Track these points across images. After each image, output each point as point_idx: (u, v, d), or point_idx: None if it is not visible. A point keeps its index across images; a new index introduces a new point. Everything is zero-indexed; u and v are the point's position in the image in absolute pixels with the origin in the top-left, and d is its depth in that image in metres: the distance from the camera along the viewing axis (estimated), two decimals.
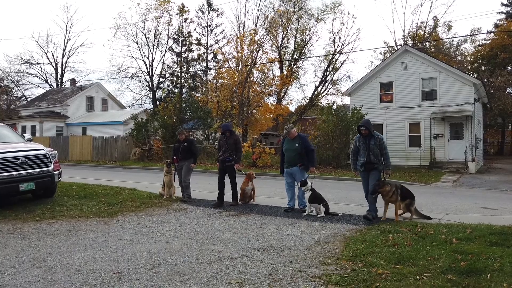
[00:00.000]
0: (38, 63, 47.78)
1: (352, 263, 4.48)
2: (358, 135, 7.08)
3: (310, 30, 35.29)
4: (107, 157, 25.59)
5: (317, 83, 36.22)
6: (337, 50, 33.94)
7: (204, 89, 36.31)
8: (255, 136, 30.33)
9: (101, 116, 33.17)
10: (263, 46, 32.84)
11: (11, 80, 45.18)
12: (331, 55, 33.88)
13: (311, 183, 7.53)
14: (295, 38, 35.69)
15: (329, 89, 36.31)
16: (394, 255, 4.62)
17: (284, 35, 35.59)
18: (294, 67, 36.87)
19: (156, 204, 8.67)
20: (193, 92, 36.62)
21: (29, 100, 42.75)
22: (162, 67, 40.40)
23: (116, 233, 6.15)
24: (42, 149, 8.77)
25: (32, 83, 46.26)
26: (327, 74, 35.41)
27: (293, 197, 7.96)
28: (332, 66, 34.70)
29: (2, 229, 6.48)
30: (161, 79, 40.27)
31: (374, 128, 7.17)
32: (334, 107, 21.36)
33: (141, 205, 8.54)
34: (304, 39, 35.36)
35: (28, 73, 45.92)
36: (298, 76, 37.43)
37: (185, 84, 38.60)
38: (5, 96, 46.31)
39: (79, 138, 28.15)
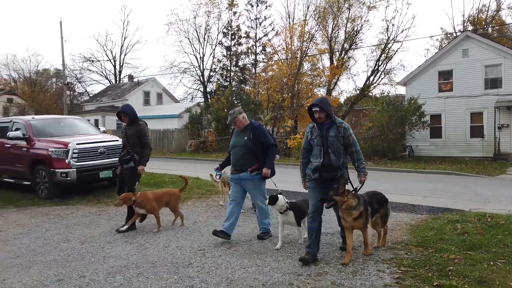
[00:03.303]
0: (98, 61, 50.82)
1: (422, 248, 4.60)
2: (310, 124, 4.61)
3: (361, 19, 34.38)
4: (164, 149, 26.92)
5: (369, 73, 35.25)
6: (390, 38, 32.82)
7: (253, 81, 36.83)
8: (305, 128, 30.37)
9: (157, 110, 34.79)
10: (314, 36, 32.58)
11: (75, 77, 48.68)
12: (384, 44, 32.89)
13: (287, 202, 4.88)
14: (346, 28, 34.96)
15: (382, 78, 35.24)
16: (465, 242, 4.68)
17: (334, 25, 34.98)
18: (344, 57, 36.20)
19: (221, 191, 9.17)
20: (243, 85, 37.28)
21: (91, 95, 45.76)
22: (212, 61, 41.46)
23: (190, 217, 6.69)
24: (117, 140, 9.58)
25: (93, 80, 49.57)
26: (380, 64, 34.39)
27: (232, 216, 5.18)
28: (385, 55, 33.66)
29: (91, 212, 7.27)
30: (211, 73, 41.37)
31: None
32: (389, 97, 20.90)
33: (206, 192, 9.09)
34: (355, 28, 34.53)
35: (90, 70, 49.12)
36: (349, 67, 36.65)
37: (235, 78, 39.36)
38: (69, 92, 49.89)
39: None
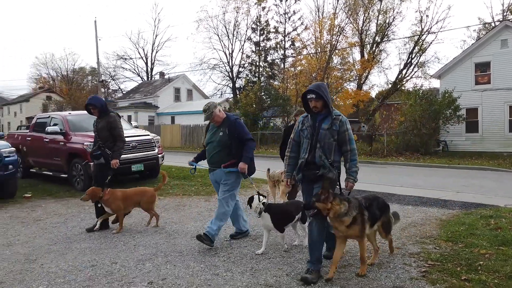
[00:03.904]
0: (131, 58, 52.31)
1: (452, 243, 4.49)
2: (303, 114, 4.01)
3: (393, 11, 33.46)
4: (194, 144, 27.39)
5: (402, 66, 34.30)
6: (424, 30, 31.76)
7: (282, 76, 36.75)
8: None
9: (187, 106, 35.42)
10: (343, 30, 32.05)
11: (109, 75, 50.35)
12: (418, 36, 31.86)
13: (264, 198, 4.49)
14: (377, 20, 34.15)
15: (415, 72, 34.20)
16: (498, 238, 4.52)
17: (365, 18, 34.26)
18: (376, 51, 35.39)
19: (248, 185, 9.26)
20: (271, 81, 37.27)
21: (124, 92, 47.18)
22: (241, 57, 41.70)
23: None
24: (148, 135, 9.88)
25: (126, 77, 51.13)
26: (413, 56, 33.38)
27: (234, 218, 5.04)
28: (419, 47, 32.61)
29: None
30: (240, 69, 41.60)
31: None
32: (422, 91, 20.26)
33: None
34: (387, 20, 33.66)
35: (123, 68, 50.73)
36: (380, 60, 35.80)
37: (263, 73, 39.40)
38: (103, 90, 51.70)
39: (169, 127, 30.47)
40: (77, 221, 6.19)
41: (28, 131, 10.93)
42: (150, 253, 4.48)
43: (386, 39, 34.63)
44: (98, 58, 29.04)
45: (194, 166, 5.14)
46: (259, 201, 4.43)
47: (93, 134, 8.89)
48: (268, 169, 7.12)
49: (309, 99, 3.74)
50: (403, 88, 33.34)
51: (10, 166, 7.75)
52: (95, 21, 31.08)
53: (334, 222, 3.57)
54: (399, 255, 4.18)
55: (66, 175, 9.26)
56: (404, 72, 34.71)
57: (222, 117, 4.81)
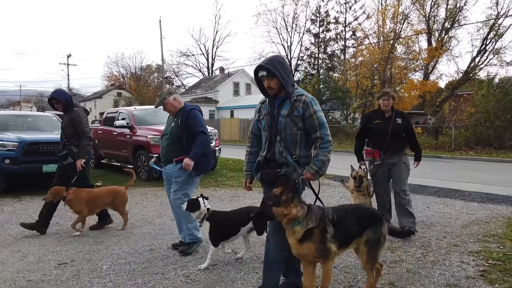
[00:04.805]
0: (193, 55, 54.22)
1: None
2: (261, 100, 3.19)
3: None
4: None
5: (474, 54, 31.69)
6: (501, 13, 29.05)
7: (342, 68, 35.83)
8: None
9: (246, 100, 36.00)
10: (408, 17, 30.38)
11: (173, 71, 52.75)
12: (493, 20, 29.22)
13: (204, 199, 3.90)
14: (447, 5, 31.82)
15: (490, 59, 31.47)
16: None
17: (433, 3, 32.14)
18: (445, 38, 33.10)
19: (222, 183, 9.25)
20: (331, 73, 36.52)
21: (186, 88, 49.16)
22: (300, 50, 41.36)
23: None
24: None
25: (188, 73, 53.28)
26: (487, 43, 30.70)
27: (179, 223, 4.45)
28: (494, 33, 29.91)
29: None
30: (299, 62, 41.27)
31: None
32: (496, 80, 18.62)
33: None
34: (458, 5, 31.25)
35: (186, 64, 52.89)
36: (450, 47, 33.40)
37: (323, 65, 38.71)
38: (168, 86, 54.36)
39: (228, 120, 31.23)
40: (140, 208, 6.65)
41: (99, 125, 11.90)
42: (205, 239, 4.66)
43: (457, 25, 32.22)
44: (162, 56, 30.58)
45: (154, 169, 4.73)
46: (205, 206, 3.82)
47: (156, 127, 9.44)
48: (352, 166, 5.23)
49: (261, 77, 2.91)
50: (476, 77, 30.90)
51: None
52: (160, 20, 32.76)
53: (287, 233, 2.73)
54: (456, 253, 3.95)
55: (132, 166, 9.93)
56: (477, 60, 32.09)
57: (177, 106, 4.29)
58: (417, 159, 4.95)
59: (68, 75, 55.33)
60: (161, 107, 4.37)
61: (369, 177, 4.95)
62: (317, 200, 2.96)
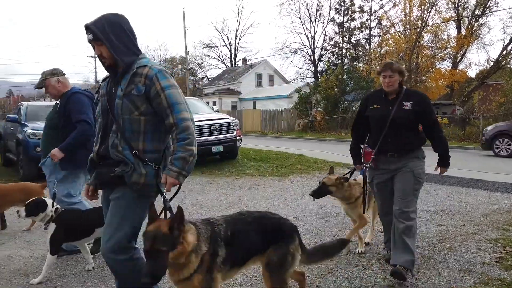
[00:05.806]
0: (216, 46, 54.53)
1: None
2: (104, 76, 2.42)
3: None
4: (274, 128, 27.86)
5: (506, 41, 30.47)
6: None
7: (366, 58, 35.20)
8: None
9: (268, 91, 35.99)
10: (436, 4, 29.47)
11: (196, 63, 53.22)
12: None
13: (54, 209, 3.23)
14: None
15: None
16: None
17: None
18: (475, 25, 31.91)
19: (322, 168, 9.27)
20: (355, 63, 35.94)
21: (210, 79, 49.56)
22: (323, 40, 40.82)
23: (290, 189, 7.00)
24: (227, 118, 10.40)
25: (212, 64, 53.58)
26: None
27: None
28: None
29: (203, 181, 8.14)
30: (322, 52, 40.83)
31: None
32: None
33: (308, 168, 9.30)
34: None
35: (209, 56, 53.22)
36: (480, 35, 32.19)
37: (347, 55, 38.13)
38: (191, 77, 54.90)
39: (250, 112, 31.36)
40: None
41: None
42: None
43: (488, 12, 30.98)
44: (186, 48, 30.97)
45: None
46: (52, 207, 3.22)
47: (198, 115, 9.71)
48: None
49: (89, 42, 2.14)
50: (508, 66, 29.72)
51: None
52: (183, 12, 32.93)
53: (169, 268, 1.95)
54: (474, 241, 3.94)
55: None
56: (509, 48, 30.85)
57: (61, 90, 3.69)
58: (442, 164, 3.34)
59: (95, 67, 56.57)
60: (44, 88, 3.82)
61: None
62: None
